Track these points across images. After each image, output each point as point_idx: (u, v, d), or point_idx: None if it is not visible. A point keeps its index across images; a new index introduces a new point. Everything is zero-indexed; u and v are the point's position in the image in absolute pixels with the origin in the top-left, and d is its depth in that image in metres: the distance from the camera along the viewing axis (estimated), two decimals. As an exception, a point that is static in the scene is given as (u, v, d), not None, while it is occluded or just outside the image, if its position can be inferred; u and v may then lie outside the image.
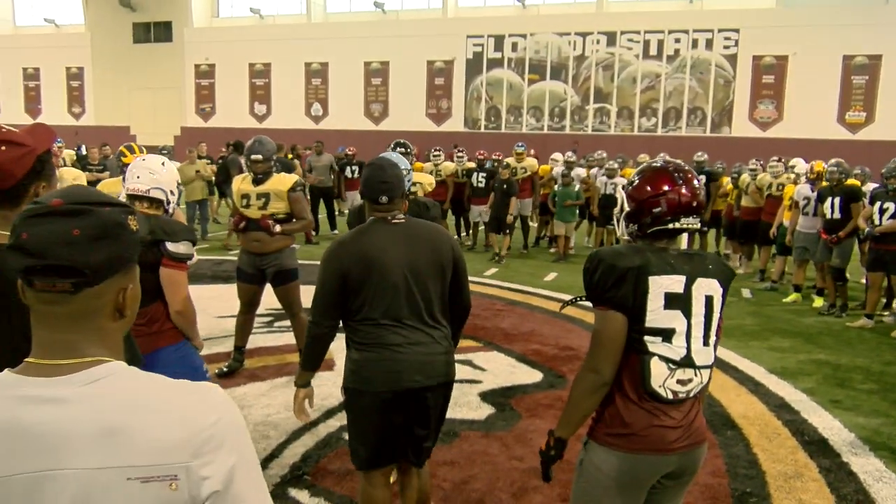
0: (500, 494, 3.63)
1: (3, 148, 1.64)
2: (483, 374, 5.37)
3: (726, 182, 10.92)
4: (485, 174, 11.38)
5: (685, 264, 2.14)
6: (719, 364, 5.81)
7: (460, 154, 12.42)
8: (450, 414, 3.70)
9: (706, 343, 2.15)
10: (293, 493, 3.58)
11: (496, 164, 11.85)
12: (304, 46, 26.51)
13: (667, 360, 2.08)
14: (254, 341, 5.70)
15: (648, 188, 2.18)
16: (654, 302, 2.07)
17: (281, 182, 4.84)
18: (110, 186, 5.77)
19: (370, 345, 2.67)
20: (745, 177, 10.03)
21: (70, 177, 5.88)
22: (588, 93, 23.68)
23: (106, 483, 0.98)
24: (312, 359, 2.83)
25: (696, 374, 2.13)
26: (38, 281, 1.03)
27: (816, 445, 4.39)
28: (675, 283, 2.10)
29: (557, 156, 12.29)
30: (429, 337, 2.71)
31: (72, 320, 1.06)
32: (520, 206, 11.15)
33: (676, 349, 2.09)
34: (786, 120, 21.50)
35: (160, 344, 2.94)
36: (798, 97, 21.13)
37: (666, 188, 2.16)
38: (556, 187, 11.13)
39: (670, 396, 2.10)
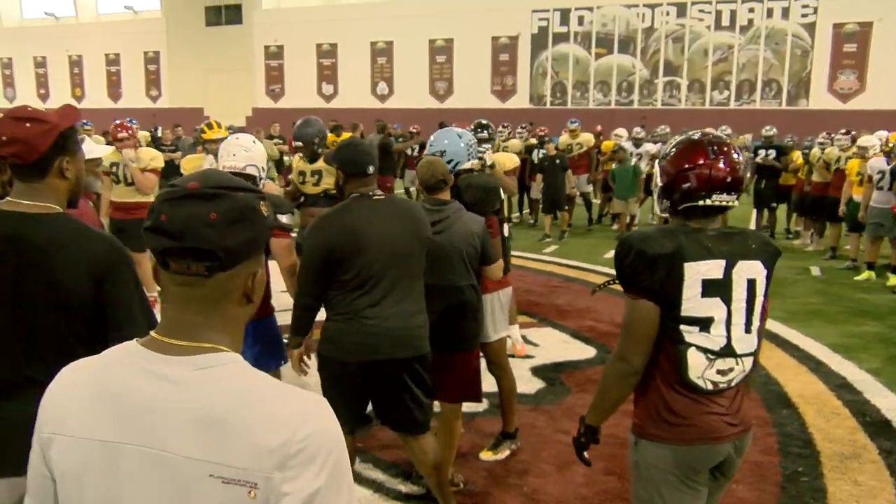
0: (543, 466, 3.69)
1: (29, 125, 1.78)
2: (535, 349, 5.41)
3: (797, 157, 10.52)
4: (545, 151, 11.31)
5: (724, 246, 2.00)
6: (780, 342, 5.70)
7: (521, 131, 12.42)
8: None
9: (748, 330, 2.05)
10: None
11: (549, 140, 11.71)
12: (370, 25, 26.67)
13: (705, 350, 1.98)
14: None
15: (679, 161, 2.05)
16: (691, 290, 1.96)
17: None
18: (192, 162, 6.02)
19: (346, 315, 2.76)
20: (816, 151, 9.67)
21: (147, 157, 6.17)
22: (657, 66, 23.07)
23: (190, 474, 0.96)
24: (300, 326, 2.94)
25: (737, 363, 2.03)
26: (174, 263, 1.03)
27: (878, 427, 4.25)
28: (714, 268, 1.97)
29: (621, 131, 12.07)
30: (405, 311, 2.80)
31: (201, 303, 1.05)
32: (577, 182, 11.12)
33: (715, 339, 1.99)
34: (868, 91, 20.44)
35: (256, 316, 3.19)
36: (882, 66, 20.03)
37: (700, 161, 2.01)
38: (613, 165, 10.97)
39: (710, 387, 2.01)
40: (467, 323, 3.25)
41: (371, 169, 2.80)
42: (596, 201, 12.49)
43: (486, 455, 3.77)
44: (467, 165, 3.65)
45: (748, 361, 2.06)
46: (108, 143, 6.96)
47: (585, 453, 2.19)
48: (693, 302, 1.96)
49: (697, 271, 1.95)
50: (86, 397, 1.03)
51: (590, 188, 11.94)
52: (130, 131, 6.21)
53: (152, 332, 1.07)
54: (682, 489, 2.05)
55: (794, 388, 4.80)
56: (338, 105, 27.53)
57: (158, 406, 0.99)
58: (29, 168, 1.80)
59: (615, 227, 11.49)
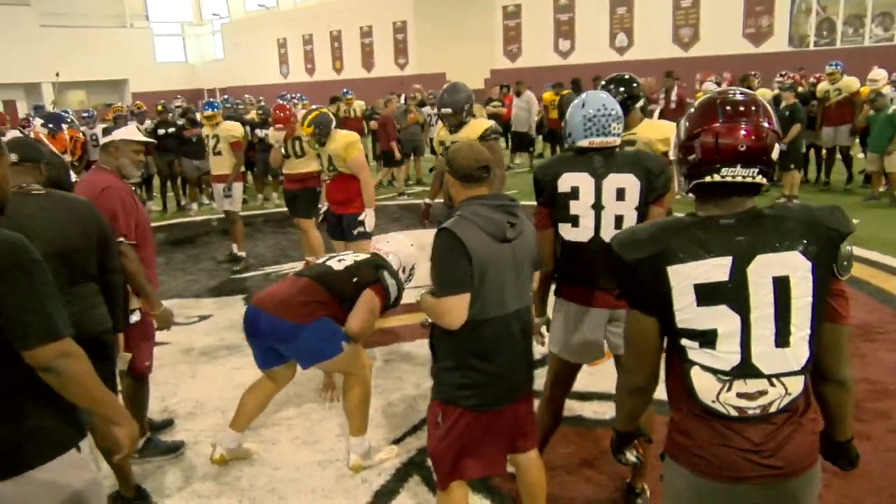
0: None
1: None
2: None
3: None
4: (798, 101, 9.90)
5: (737, 237, 1.58)
6: None
7: (780, 79, 11.03)
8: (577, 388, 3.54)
9: (782, 343, 1.59)
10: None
11: (788, 87, 10.13)
12: (608, -25, 25.40)
13: (712, 370, 1.62)
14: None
15: (684, 129, 1.68)
16: (683, 298, 1.61)
17: (473, 130, 4.67)
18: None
19: None
20: None
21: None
22: (957, -12, 18.97)
23: None
24: None
25: (772, 386, 1.61)
26: None
27: None
28: (712, 269, 1.58)
29: (879, 73, 10.05)
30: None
31: None
32: (834, 134, 9.83)
33: (722, 356, 1.61)
34: None
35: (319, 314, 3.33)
36: None
37: (706, 126, 1.61)
38: (870, 112, 9.20)
39: (734, 413, 1.64)
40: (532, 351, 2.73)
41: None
42: (860, 156, 10.62)
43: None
44: (584, 144, 2.83)
45: (794, 383, 1.63)
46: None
47: (629, 454, 1.97)
48: (688, 312, 1.62)
49: (687, 275, 1.60)
50: None
51: (851, 141, 10.17)
52: (287, 112, 6.61)
53: None
54: None
55: None
56: (575, 61, 26.77)
57: None
58: None
59: (869, 188, 9.70)
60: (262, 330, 3.32)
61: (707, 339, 1.62)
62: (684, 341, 1.65)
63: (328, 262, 3.61)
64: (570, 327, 2.90)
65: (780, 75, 11.39)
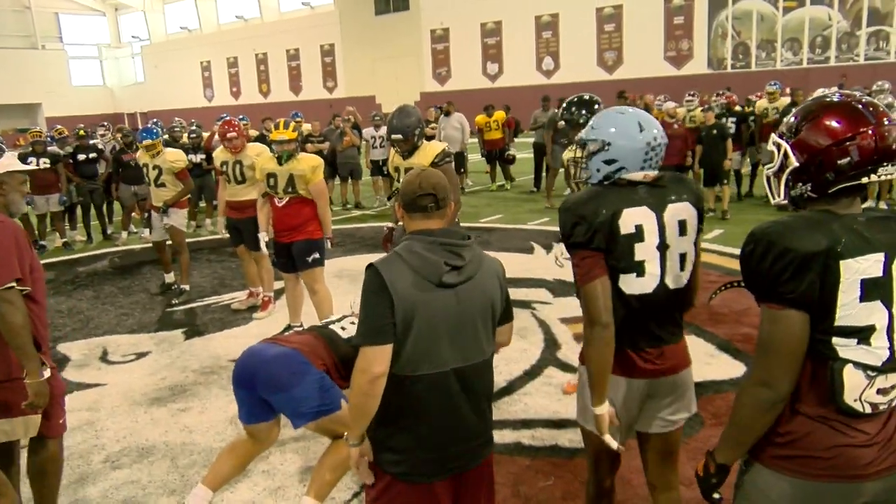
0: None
1: None
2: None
3: None
4: (735, 119, 10.39)
5: (880, 233, 1.63)
6: None
7: (690, 98, 11.34)
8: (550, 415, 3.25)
9: None
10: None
11: (710, 108, 10.56)
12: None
13: (864, 366, 1.63)
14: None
15: (829, 132, 1.65)
16: (848, 294, 1.60)
17: (426, 155, 4.54)
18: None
19: None
20: None
21: (254, 152, 6.15)
22: (859, 15, 20.22)
23: None
24: None
25: None
26: None
27: None
28: (873, 264, 1.60)
29: (821, 93, 10.54)
30: None
31: None
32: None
33: (876, 352, 1.63)
34: None
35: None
36: None
37: (861, 129, 1.62)
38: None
39: (868, 410, 1.65)
40: (491, 411, 2.32)
41: None
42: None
43: None
44: (639, 177, 2.28)
45: None
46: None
47: (715, 494, 1.84)
48: (851, 308, 1.61)
49: (856, 270, 1.60)
50: None
51: None
52: (238, 129, 6.18)
53: None
54: None
55: None
56: (503, 84, 27.19)
57: None
58: None
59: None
60: (259, 377, 3.03)
61: (864, 335, 1.62)
62: (837, 339, 1.63)
63: (331, 327, 3.38)
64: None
65: (690, 95, 11.71)
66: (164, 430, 4.26)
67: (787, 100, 10.62)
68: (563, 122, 4.17)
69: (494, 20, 27.68)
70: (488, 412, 2.27)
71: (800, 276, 1.59)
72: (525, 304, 6.23)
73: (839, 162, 1.64)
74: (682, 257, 2.26)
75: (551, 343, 5.31)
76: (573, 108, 4.01)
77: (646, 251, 2.20)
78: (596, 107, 3.99)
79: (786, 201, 1.76)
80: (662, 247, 2.22)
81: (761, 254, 1.63)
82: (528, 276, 7.16)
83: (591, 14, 25.22)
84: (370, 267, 2.07)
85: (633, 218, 2.18)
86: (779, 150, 1.74)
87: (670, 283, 2.25)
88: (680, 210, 2.24)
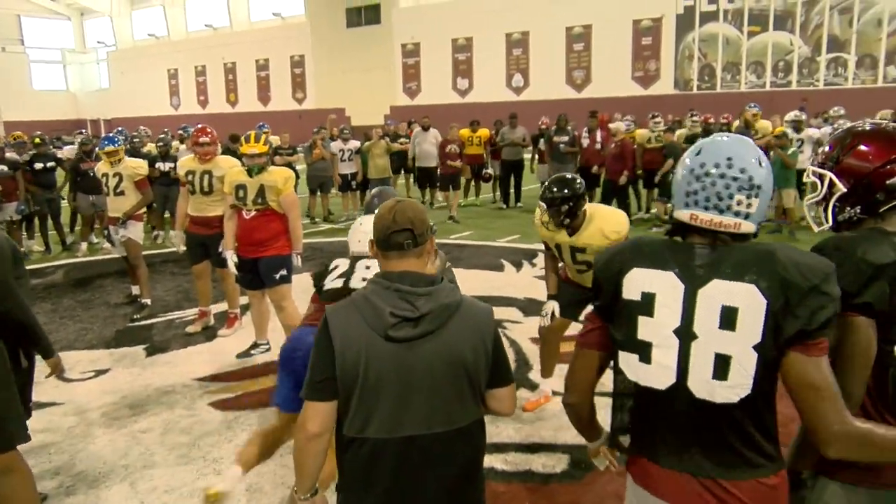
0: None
1: None
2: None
3: None
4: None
5: None
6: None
7: (657, 119, 11.44)
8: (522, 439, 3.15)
9: None
10: None
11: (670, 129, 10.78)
12: (505, 17, 26.18)
13: None
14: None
15: (873, 156, 1.80)
16: None
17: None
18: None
19: None
20: None
21: (227, 165, 5.81)
22: (819, 42, 20.76)
23: None
24: None
25: None
26: None
27: None
28: None
29: (790, 115, 10.78)
30: None
31: None
32: None
33: None
34: None
35: None
36: None
37: None
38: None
39: None
40: (477, 494, 2.02)
41: None
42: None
43: None
44: (684, 217, 1.67)
45: None
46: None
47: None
48: None
49: None
50: None
51: None
52: (212, 136, 5.90)
53: None
54: None
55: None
56: (473, 100, 27.28)
57: None
58: None
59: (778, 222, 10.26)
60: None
61: None
62: None
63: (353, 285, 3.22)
64: None
65: (653, 116, 11.81)
66: (122, 452, 4.09)
67: (768, 123, 10.85)
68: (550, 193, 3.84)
69: (465, 36, 27.81)
70: (471, 492, 1.96)
71: (871, 284, 1.68)
72: (496, 323, 6.17)
73: (888, 182, 1.78)
74: (724, 361, 1.57)
75: (522, 363, 5.26)
76: (554, 188, 3.80)
77: (654, 332, 1.65)
78: (578, 184, 3.81)
79: (832, 226, 1.87)
80: (684, 334, 1.61)
81: (838, 263, 1.66)
82: (498, 294, 7.10)
83: (560, 33, 25.48)
84: (325, 313, 1.89)
85: (642, 281, 1.66)
86: (821, 180, 1.85)
87: (697, 390, 1.60)
88: (732, 292, 1.56)
